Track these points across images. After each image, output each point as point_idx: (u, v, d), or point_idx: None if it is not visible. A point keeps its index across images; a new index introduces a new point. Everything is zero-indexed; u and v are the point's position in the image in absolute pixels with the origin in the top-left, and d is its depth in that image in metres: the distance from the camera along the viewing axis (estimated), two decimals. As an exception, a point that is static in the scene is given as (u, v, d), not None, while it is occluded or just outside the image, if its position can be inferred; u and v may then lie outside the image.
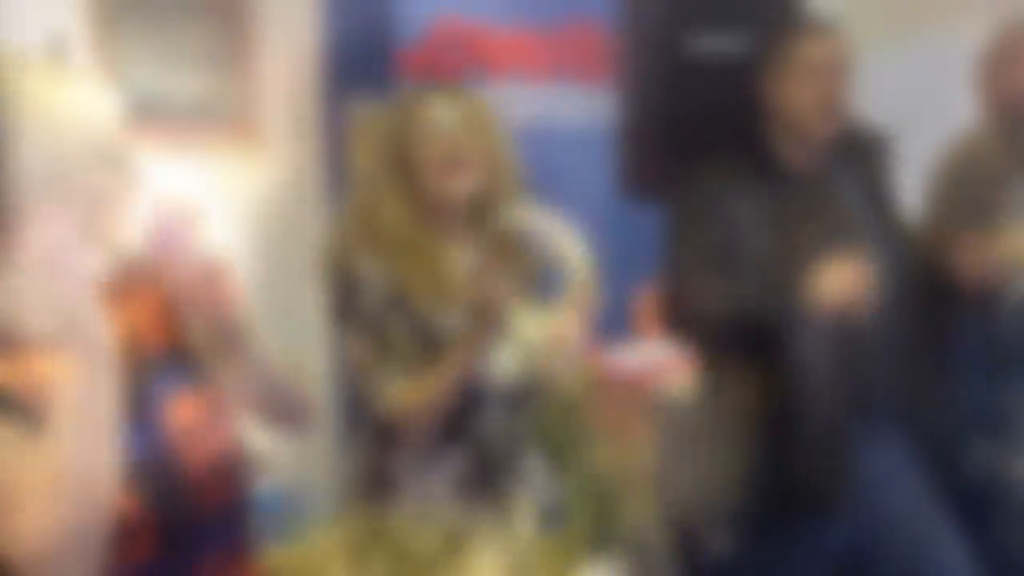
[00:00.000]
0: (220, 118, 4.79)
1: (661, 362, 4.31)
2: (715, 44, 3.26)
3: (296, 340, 2.16)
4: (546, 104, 5.50)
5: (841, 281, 2.58)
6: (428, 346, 2.28)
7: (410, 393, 2.23)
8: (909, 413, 2.94)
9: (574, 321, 2.31)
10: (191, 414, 1.55)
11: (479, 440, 2.31)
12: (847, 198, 2.95)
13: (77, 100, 1.49)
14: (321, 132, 5.15)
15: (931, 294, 2.98)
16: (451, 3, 5.21)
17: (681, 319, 2.90)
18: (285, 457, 2.32)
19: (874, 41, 6.09)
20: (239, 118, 4.82)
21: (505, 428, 2.35)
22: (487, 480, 2.33)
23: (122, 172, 1.52)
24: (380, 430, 2.27)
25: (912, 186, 3.49)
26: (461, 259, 2.37)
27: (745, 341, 2.76)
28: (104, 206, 1.49)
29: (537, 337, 2.34)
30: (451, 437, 2.29)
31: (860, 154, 3.05)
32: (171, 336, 1.59)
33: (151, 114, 4.17)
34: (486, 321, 2.21)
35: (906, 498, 2.91)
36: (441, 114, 2.33)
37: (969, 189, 3.47)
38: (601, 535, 3.63)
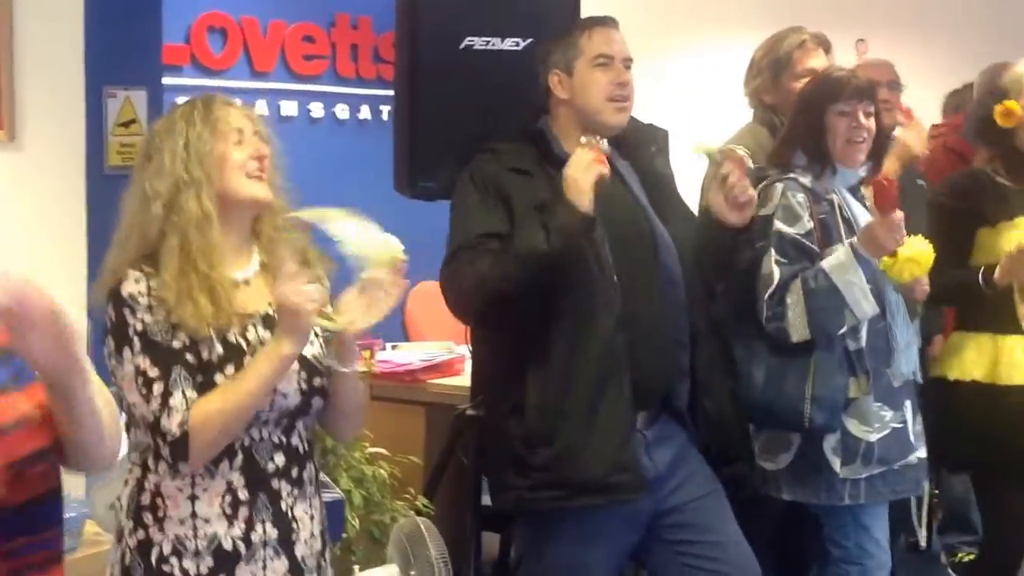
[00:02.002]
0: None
1: (433, 361, 4.30)
2: (496, 43, 3.23)
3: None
4: (316, 98, 5.42)
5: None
6: (207, 363, 2.20)
7: (199, 410, 2.14)
8: (695, 398, 2.96)
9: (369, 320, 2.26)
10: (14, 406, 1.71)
11: (251, 455, 2.23)
12: (632, 184, 2.96)
13: None
14: (84, 124, 4.96)
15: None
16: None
17: (463, 304, 2.85)
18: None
19: (658, 47, 6.31)
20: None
21: (279, 441, 2.27)
22: (258, 493, 2.25)
23: None
24: (158, 449, 2.16)
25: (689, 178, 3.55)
26: (248, 268, 2.29)
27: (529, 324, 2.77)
28: None
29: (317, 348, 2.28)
30: (222, 453, 2.20)
31: (638, 144, 3.06)
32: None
33: None
34: (297, 333, 2.13)
35: (692, 483, 2.93)
36: (241, 119, 2.27)
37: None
38: (372, 535, 3.60)
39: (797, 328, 3.10)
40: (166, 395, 2.13)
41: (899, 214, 3.04)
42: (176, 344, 2.16)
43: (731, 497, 3.02)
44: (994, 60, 4.48)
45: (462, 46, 3.19)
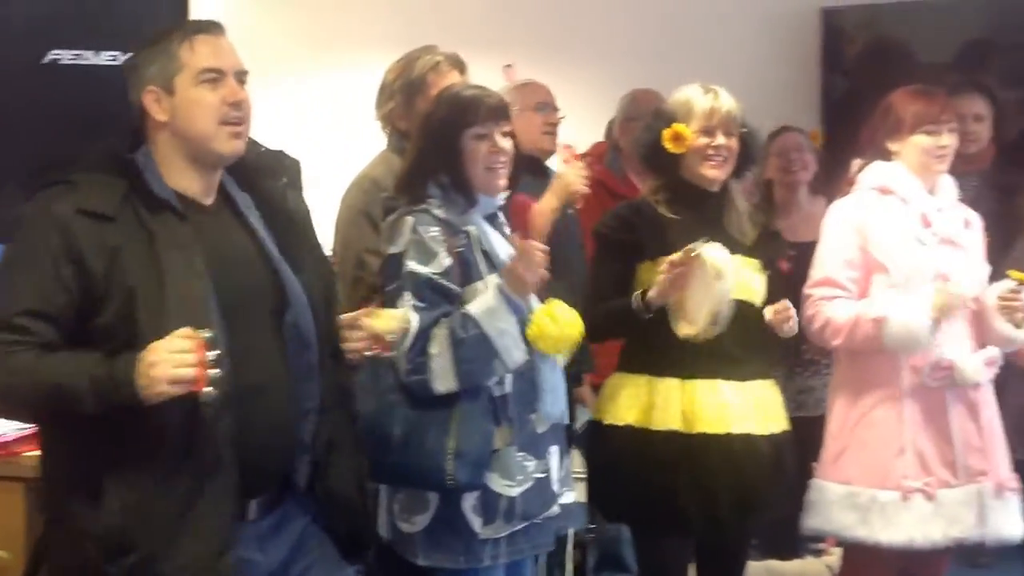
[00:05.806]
0: None
1: (32, 430, 3.86)
2: (88, 57, 2.85)
3: None
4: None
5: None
6: None
7: None
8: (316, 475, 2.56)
9: None
10: None
11: None
12: (255, 224, 2.55)
13: None
14: None
15: None
16: None
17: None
18: None
19: (277, 66, 6.00)
20: None
21: None
22: None
23: None
24: None
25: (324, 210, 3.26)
26: None
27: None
28: None
29: None
30: None
31: (264, 174, 2.73)
32: None
33: None
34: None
35: (316, 571, 2.56)
36: None
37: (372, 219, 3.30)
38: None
39: (443, 379, 2.82)
40: None
41: (533, 243, 2.86)
42: None
43: None
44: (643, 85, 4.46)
45: (46, 60, 2.78)
